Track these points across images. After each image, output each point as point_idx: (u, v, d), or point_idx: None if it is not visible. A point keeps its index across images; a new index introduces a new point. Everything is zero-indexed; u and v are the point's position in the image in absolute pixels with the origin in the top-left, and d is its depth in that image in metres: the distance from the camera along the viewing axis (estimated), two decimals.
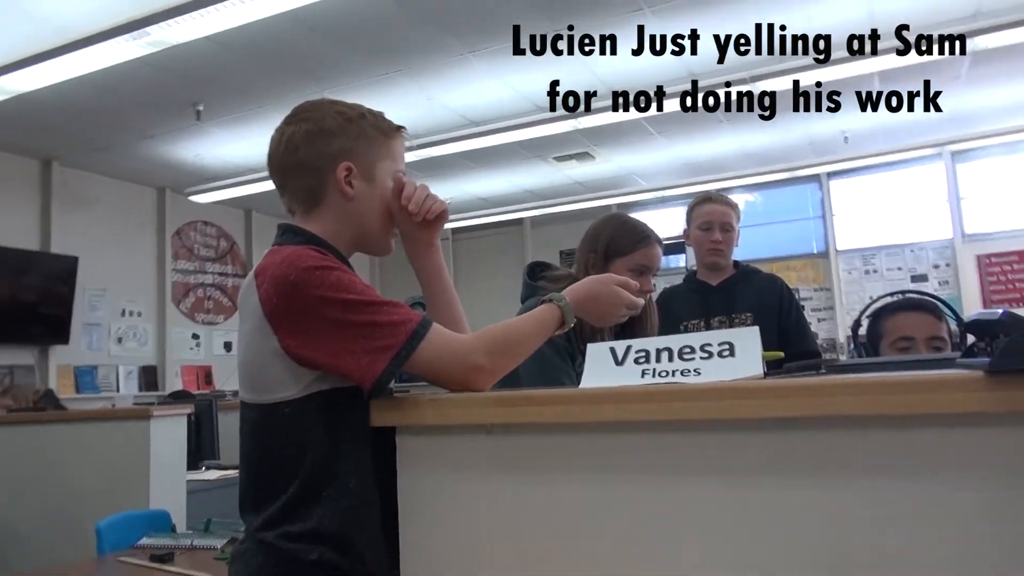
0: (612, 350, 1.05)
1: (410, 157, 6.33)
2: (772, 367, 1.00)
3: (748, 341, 0.99)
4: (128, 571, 2.09)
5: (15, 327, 6.51)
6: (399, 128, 1.29)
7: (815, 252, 9.23)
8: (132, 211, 7.79)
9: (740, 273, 2.72)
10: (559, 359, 1.82)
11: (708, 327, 2.63)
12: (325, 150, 1.19)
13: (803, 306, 9.42)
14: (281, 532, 1.07)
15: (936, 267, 8.72)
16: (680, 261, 9.32)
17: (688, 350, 1.00)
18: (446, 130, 6.41)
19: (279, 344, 1.06)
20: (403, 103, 6.01)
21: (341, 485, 1.08)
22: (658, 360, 1.01)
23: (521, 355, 1.17)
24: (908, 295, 1.87)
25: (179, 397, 4.62)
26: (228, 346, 8.53)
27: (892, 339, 1.81)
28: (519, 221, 10.19)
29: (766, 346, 2.55)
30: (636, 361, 1.02)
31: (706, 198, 2.75)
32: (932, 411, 0.79)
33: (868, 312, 1.92)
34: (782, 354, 1.02)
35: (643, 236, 1.92)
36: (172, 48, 4.34)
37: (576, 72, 5.63)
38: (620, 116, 5.93)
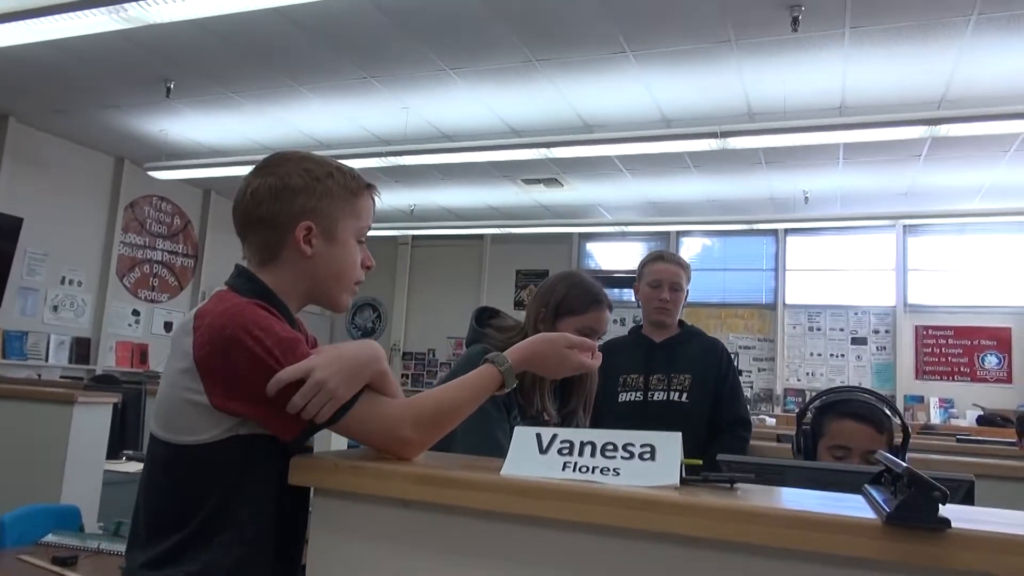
0: (538, 436, 1.06)
1: (379, 163, 6.34)
2: (691, 472, 1.03)
3: (669, 446, 1.01)
4: (26, 571, 2.03)
5: None
6: (369, 186, 1.28)
7: (764, 303, 9.44)
8: (86, 178, 7.59)
9: (684, 333, 2.77)
10: (496, 411, 1.82)
11: (647, 383, 2.67)
12: (287, 207, 1.18)
13: (739, 368, 9.58)
14: (163, 574, 1.06)
15: (876, 332, 9.00)
16: (632, 295, 9.43)
17: (611, 447, 1.02)
18: (419, 141, 6.41)
19: (205, 393, 1.05)
20: (377, 108, 5.99)
21: (237, 533, 1.07)
22: (580, 454, 1.02)
23: (453, 423, 1.17)
24: (859, 399, 1.90)
25: (106, 381, 4.49)
26: (168, 326, 8.34)
27: (830, 443, 1.85)
28: (480, 236, 10.21)
29: (703, 408, 2.61)
30: (560, 452, 1.03)
31: (658, 256, 2.79)
32: (830, 551, 0.82)
33: (817, 403, 1.95)
34: (700, 462, 1.04)
35: (595, 300, 1.93)
36: (148, 26, 4.26)
37: (553, 103, 5.68)
38: (593, 151, 6.00)
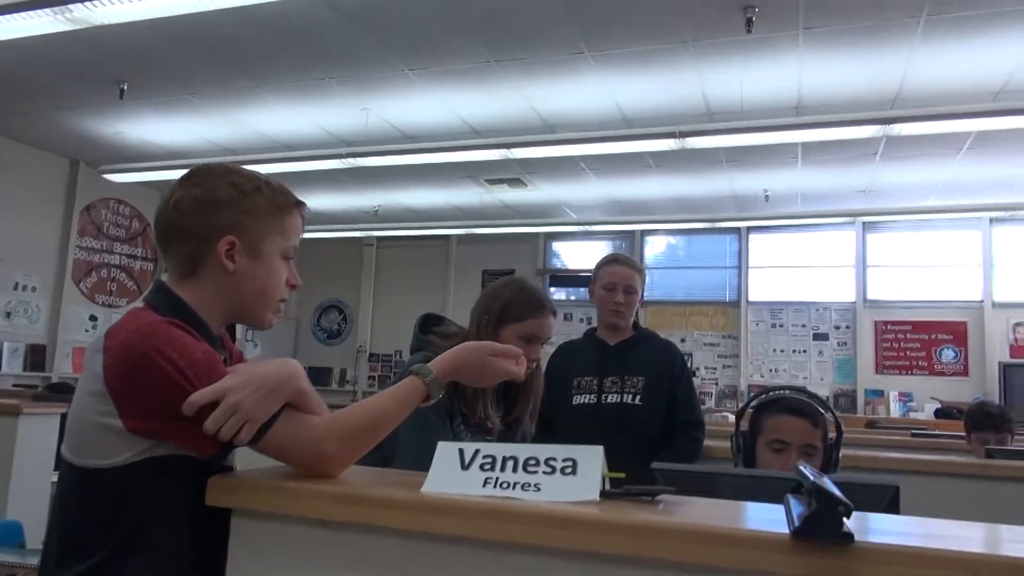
0: (461, 452, 1.05)
1: (340, 164, 6.28)
2: (615, 485, 1.02)
3: (591, 461, 1.01)
4: None
5: None
6: (299, 204, 1.25)
7: (727, 300, 9.53)
8: (40, 181, 7.42)
9: (638, 336, 2.78)
10: (438, 419, 1.81)
11: (600, 385, 2.67)
12: (211, 221, 1.15)
13: (703, 365, 9.56)
14: None
15: (837, 328, 9.13)
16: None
17: (533, 462, 1.02)
18: (379, 142, 6.36)
19: (117, 416, 1.02)
20: (337, 109, 5.94)
21: (152, 557, 1.04)
22: (502, 469, 1.02)
23: (378, 437, 1.16)
24: (792, 395, 1.93)
25: (58, 390, 4.39)
26: None
27: (768, 439, 1.87)
28: (445, 237, 10.18)
29: (656, 410, 2.62)
30: (481, 467, 1.02)
31: (613, 259, 2.79)
32: (742, 566, 0.82)
33: (753, 404, 1.97)
34: (623, 474, 1.04)
35: (538, 306, 1.92)
36: (97, 27, 4.17)
37: (514, 103, 5.67)
38: (554, 151, 6.00)
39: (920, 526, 0.94)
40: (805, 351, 9.21)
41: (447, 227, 9.27)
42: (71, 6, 3.61)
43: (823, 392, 8.99)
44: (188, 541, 1.06)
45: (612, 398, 2.64)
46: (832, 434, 1.89)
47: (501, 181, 7.80)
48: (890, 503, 1.18)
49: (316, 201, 8.90)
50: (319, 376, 10.85)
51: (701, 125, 5.39)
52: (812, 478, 0.92)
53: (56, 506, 1.09)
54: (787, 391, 1.99)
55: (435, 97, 5.63)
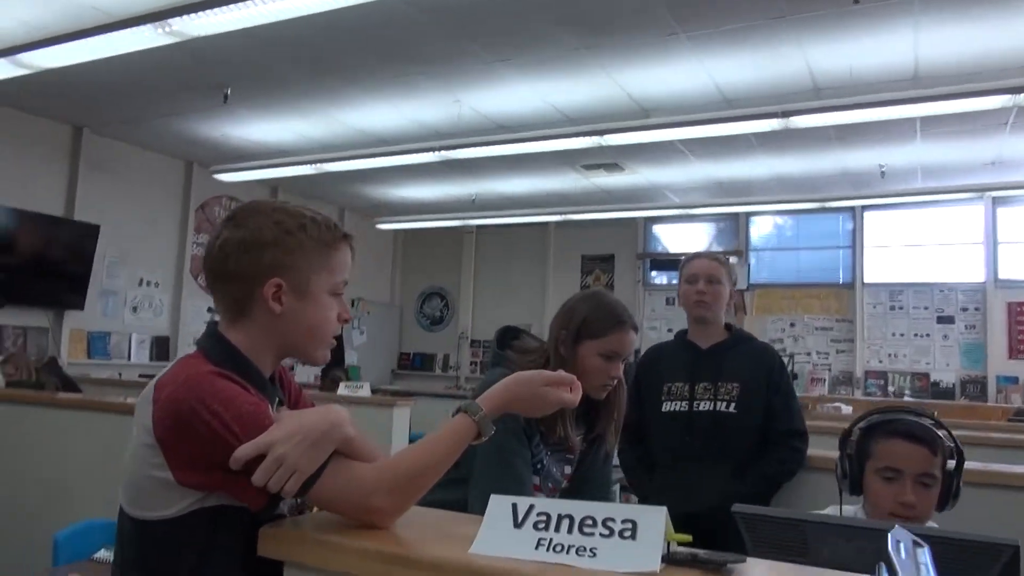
0: (514, 507, 0.99)
1: (434, 158, 6.32)
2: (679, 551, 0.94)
3: (653, 523, 0.92)
4: None
5: (33, 290, 6.62)
6: (345, 236, 1.22)
7: (840, 282, 9.03)
8: (158, 183, 7.85)
9: (732, 339, 2.62)
10: (516, 442, 1.76)
11: (692, 392, 2.54)
12: (256, 264, 1.13)
13: (816, 350, 9.02)
14: None
15: (964, 310, 8.49)
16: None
17: (590, 523, 0.94)
18: (472, 133, 6.34)
19: (168, 470, 1.02)
20: (428, 103, 5.96)
21: None
22: (557, 529, 0.95)
23: (429, 483, 1.11)
24: (909, 418, 1.76)
25: None
26: None
27: (878, 465, 1.71)
28: (543, 224, 10.10)
29: (752, 419, 2.48)
30: (535, 526, 0.96)
31: (695, 256, 2.68)
32: None
33: (862, 424, 1.82)
34: (690, 537, 0.95)
35: (617, 321, 1.83)
36: (198, 38, 4.32)
37: (606, 88, 5.52)
38: (649, 135, 5.82)
39: None
40: (928, 335, 8.62)
41: (545, 213, 9.19)
42: (169, 21, 3.76)
43: (949, 379, 8.41)
44: None
45: (704, 405, 2.50)
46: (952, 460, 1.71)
47: (598, 167, 7.65)
48: (1006, 567, 1.04)
49: (414, 191, 9.03)
50: (423, 362, 11.07)
51: (807, 103, 5.07)
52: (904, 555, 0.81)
53: (116, 555, 1.11)
54: (900, 412, 1.82)
55: (526, 86, 5.55)
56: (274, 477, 0.99)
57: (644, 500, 2.56)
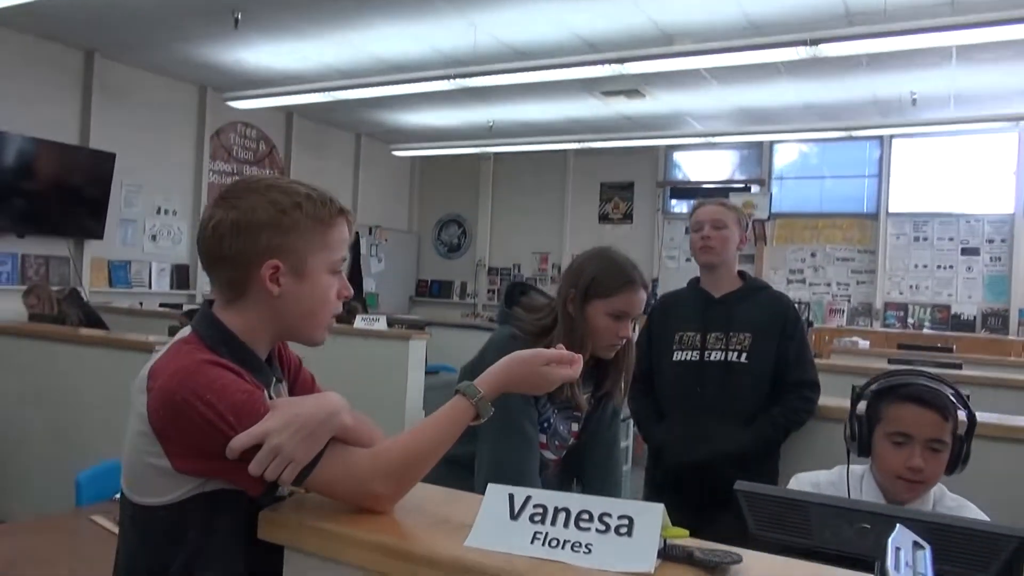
0: (511, 498, 0.98)
1: (451, 85, 6.17)
2: (674, 548, 0.93)
3: (649, 521, 0.91)
4: (92, 533, 2.14)
5: (53, 218, 6.65)
6: (341, 211, 1.18)
7: (864, 212, 8.86)
8: (172, 109, 7.77)
9: (745, 288, 2.58)
10: (522, 400, 1.76)
11: (704, 341, 2.51)
12: (251, 245, 1.10)
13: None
14: None
15: (991, 241, 8.33)
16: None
17: (586, 517, 0.93)
18: (490, 60, 6.16)
19: (166, 457, 1.02)
20: (444, 27, 5.78)
21: None
22: (553, 523, 0.94)
23: (427, 467, 1.10)
24: (917, 383, 1.73)
25: None
26: None
27: (888, 430, 1.69)
28: (562, 151, 9.93)
29: (764, 370, 2.46)
30: (531, 519, 0.95)
31: (700, 203, 2.62)
32: None
33: (873, 387, 1.79)
34: (687, 532, 0.94)
35: (627, 281, 1.79)
36: None
37: (628, 13, 5.31)
38: (672, 64, 5.61)
39: None
40: (951, 267, 8.49)
41: (564, 141, 9.02)
42: None
43: (971, 312, 8.32)
44: (244, 573, 1.07)
45: (716, 355, 2.49)
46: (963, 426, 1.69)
47: (618, 93, 7.45)
48: (1011, 558, 1.03)
49: (430, 118, 8.87)
50: (440, 290, 11.12)
51: (838, 30, 4.84)
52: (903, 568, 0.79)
53: (120, 539, 1.13)
54: (913, 374, 1.78)
55: (544, 11, 5.35)
56: (270, 467, 0.99)
57: (655, 451, 2.58)
